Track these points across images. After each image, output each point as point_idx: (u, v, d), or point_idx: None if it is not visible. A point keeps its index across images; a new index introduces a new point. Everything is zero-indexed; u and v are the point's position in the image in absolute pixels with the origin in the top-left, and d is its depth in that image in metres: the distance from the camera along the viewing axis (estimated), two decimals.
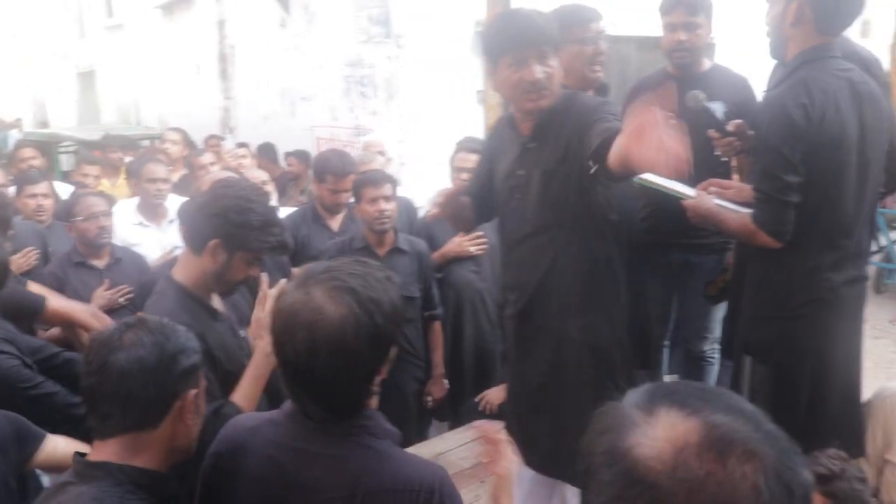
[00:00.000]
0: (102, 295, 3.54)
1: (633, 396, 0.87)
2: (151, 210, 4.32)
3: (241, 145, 6.53)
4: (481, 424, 1.89)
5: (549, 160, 2.45)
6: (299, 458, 1.45)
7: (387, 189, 3.61)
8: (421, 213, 4.58)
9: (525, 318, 2.61)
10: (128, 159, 6.12)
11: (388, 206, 3.61)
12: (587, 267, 2.50)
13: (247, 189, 2.24)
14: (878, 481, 2.49)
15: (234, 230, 2.12)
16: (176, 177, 5.30)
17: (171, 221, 4.28)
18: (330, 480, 1.43)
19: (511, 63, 2.34)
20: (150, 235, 4.26)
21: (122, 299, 3.57)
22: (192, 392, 1.57)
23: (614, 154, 2.02)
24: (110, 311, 3.51)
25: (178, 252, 3.74)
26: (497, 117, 5.44)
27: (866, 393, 2.64)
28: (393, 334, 1.46)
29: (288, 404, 1.52)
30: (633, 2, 5.48)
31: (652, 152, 1.72)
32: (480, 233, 3.94)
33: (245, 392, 2.15)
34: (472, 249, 3.99)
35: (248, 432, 1.55)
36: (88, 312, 2.91)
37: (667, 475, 0.76)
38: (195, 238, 2.19)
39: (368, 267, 1.48)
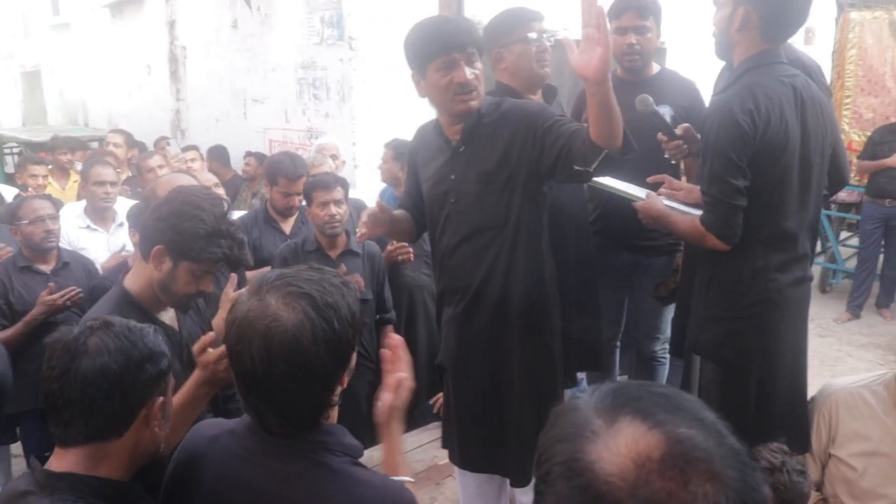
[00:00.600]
0: (46, 300, 3.44)
1: (594, 399, 0.84)
2: (99, 213, 4.24)
3: (189, 148, 6.41)
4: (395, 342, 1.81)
5: (485, 162, 2.48)
6: (255, 472, 1.42)
7: (337, 193, 3.59)
8: None
9: (467, 320, 2.63)
10: (79, 165, 5.97)
11: (339, 210, 3.59)
12: (529, 267, 2.53)
13: (200, 196, 2.11)
14: (822, 475, 2.54)
15: (178, 237, 2.01)
16: (122, 179, 5.21)
17: (120, 225, 4.20)
18: (284, 499, 1.40)
19: (440, 67, 2.37)
20: (99, 239, 4.18)
21: (68, 302, 3.47)
22: (159, 399, 1.50)
23: (594, 125, 2.16)
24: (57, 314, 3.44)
25: (126, 254, 3.68)
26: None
27: (812, 390, 2.71)
28: (352, 340, 1.42)
29: (245, 418, 1.48)
30: None
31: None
32: (404, 243, 3.87)
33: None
34: (400, 257, 3.98)
35: (207, 442, 1.51)
36: None
37: (628, 493, 0.74)
38: (143, 243, 2.09)
39: (324, 273, 1.45)
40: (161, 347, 1.54)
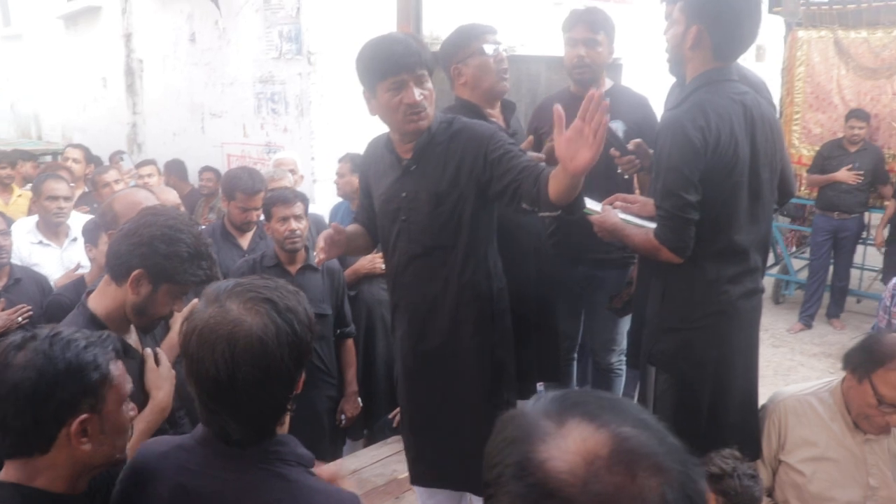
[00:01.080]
0: None
1: (540, 404, 0.88)
2: (52, 228, 4.17)
3: (146, 163, 6.31)
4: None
5: (437, 182, 2.50)
6: (210, 485, 1.42)
7: (297, 208, 3.58)
8: None
9: (420, 337, 2.65)
10: (28, 185, 5.81)
11: (299, 226, 3.58)
12: (479, 284, 2.56)
13: (177, 219, 2.10)
14: (773, 481, 2.60)
15: (161, 261, 2.00)
16: (77, 194, 5.12)
17: (74, 240, 4.13)
18: None
19: (390, 87, 2.40)
20: (51, 255, 4.11)
21: (21, 319, 3.39)
22: (82, 417, 1.45)
23: (555, 190, 2.19)
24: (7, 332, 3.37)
25: (81, 271, 3.62)
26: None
27: (765, 399, 2.77)
28: (309, 344, 1.45)
29: (199, 430, 1.48)
30: (541, 22, 5.62)
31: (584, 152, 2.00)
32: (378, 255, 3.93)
33: (132, 445, 2.07)
34: (384, 267, 3.99)
35: (157, 458, 1.51)
36: None
37: (579, 489, 0.77)
38: (118, 267, 2.05)
39: (277, 281, 1.48)
40: (93, 359, 1.47)
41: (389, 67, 2.38)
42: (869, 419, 2.38)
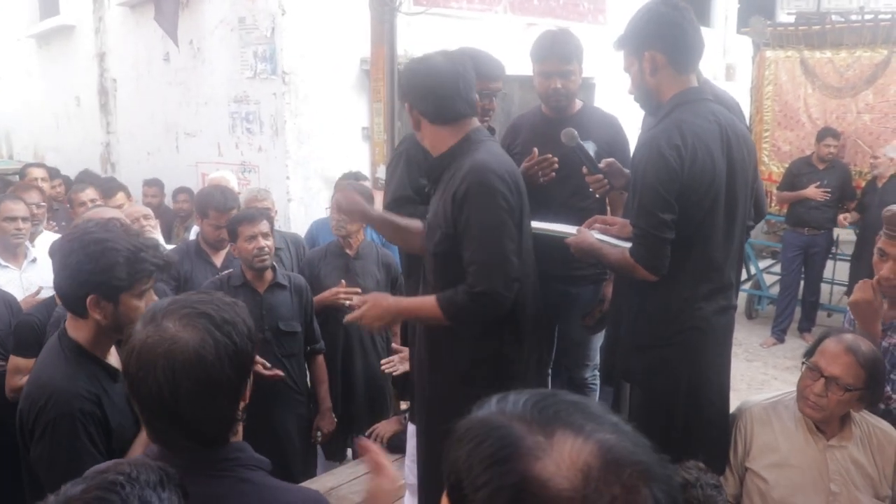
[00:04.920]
0: None
1: (513, 410, 0.85)
2: (10, 250, 4.03)
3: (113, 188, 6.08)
4: (366, 444, 1.84)
5: (432, 215, 2.54)
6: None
7: (263, 226, 3.55)
8: (308, 250, 4.55)
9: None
10: None
11: (267, 243, 3.55)
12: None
13: (94, 229, 2.02)
14: (740, 488, 2.63)
15: (103, 279, 1.96)
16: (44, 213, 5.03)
17: (33, 261, 4.06)
18: None
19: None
20: (10, 276, 3.98)
21: None
22: None
23: None
24: None
25: (45, 294, 3.55)
26: (383, 154, 5.51)
27: None
28: (251, 354, 1.46)
29: (153, 449, 1.47)
30: (515, 42, 5.69)
31: None
32: (357, 290, 3.83)
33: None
34: (346, 303, 3.89)
35: None
36: None
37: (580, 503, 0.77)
38: (71, 303, 2.03)
39: (213, 294, 1.49)
40: None
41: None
42: (804, 397, 2.44)
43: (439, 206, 2.49)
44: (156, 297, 2.07)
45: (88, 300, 1.97)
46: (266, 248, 3.54)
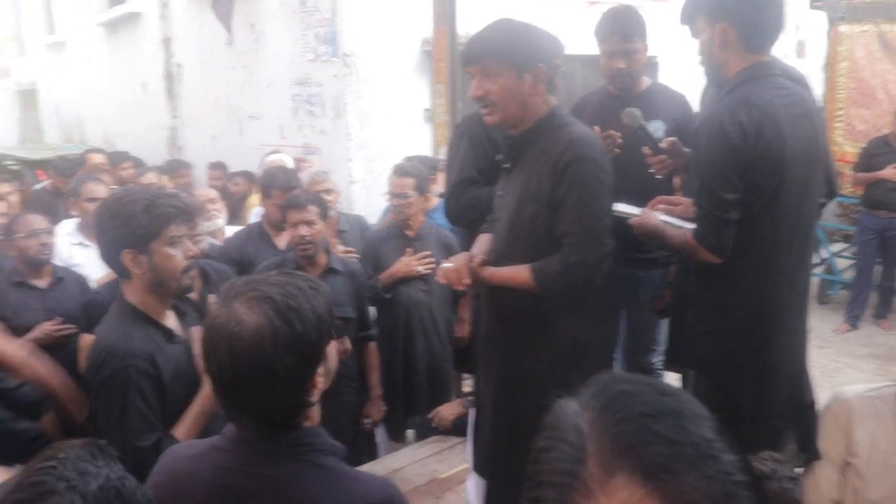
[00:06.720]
0: (43, 329, 3.44)
1: (587, 415, 0.80)
2: (91, 230, 4.22)
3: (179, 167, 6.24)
4: None
5: (521, 189, 2.48)
6: (251, 482, 1.42)
7: (309, 213, 3.48)
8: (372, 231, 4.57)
9: (487, 342, 2.70)
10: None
11: (310, 231, 3.48)
12: (538, 305, 2.51)
13: (115, 192, 2.19)
14: (842, 484, 2.48)
15: (128, 230, 2.07)
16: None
17: None
18: (286, 503, 1.41)
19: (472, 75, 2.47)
20: (91, 255, 4.14)
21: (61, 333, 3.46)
22: None
23: None
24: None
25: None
26: (444, 136, 5.48)
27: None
28: (318, 342, 1.42)
29: (229, 429, 1.49)
30: (576, 21, 5.57)
31: None
32: (427, 252, 3.93)
33: (187, 427, 2.11)
34: (420, 269, 3.98)
35: (190, 461, 1.51)
36: (21, 356, 2.67)
37: None
38: (112, 265, 2.16)
39: (292, 277, 1.47)
40: None
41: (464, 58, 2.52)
42: None
43: (532, 179, 2.44)
44: (194, 249, 2.20)
45: (123, 256, 2.08)
46: (308, 237, 3.47)
